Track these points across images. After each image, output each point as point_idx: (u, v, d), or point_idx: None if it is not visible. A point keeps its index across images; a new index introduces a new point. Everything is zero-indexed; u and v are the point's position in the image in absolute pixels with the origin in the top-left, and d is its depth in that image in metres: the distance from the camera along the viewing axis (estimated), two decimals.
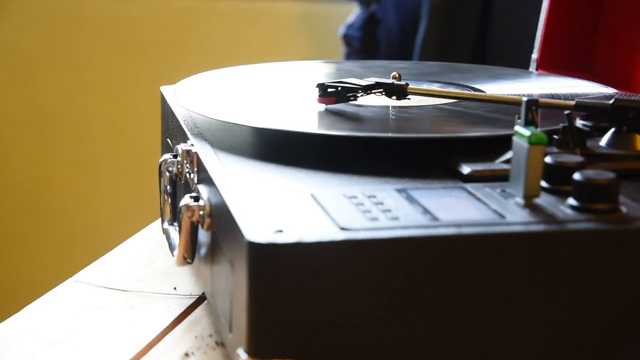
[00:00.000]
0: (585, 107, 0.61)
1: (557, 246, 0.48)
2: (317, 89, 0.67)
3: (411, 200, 0.51)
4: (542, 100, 0.61)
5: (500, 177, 0.54)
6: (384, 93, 0.69)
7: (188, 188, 0.62)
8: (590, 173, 0.50)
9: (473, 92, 0.73)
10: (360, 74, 0.74)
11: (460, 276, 0.47)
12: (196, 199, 0.57)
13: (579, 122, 0.62)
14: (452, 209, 0.50)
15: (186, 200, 0.57)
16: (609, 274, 0.49)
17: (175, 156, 0.65)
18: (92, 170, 2.04)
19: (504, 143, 0.56)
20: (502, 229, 0.48)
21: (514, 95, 0.71)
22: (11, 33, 2.00)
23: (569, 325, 0.49)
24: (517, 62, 0.96)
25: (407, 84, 0.68)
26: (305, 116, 0.67)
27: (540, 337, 0.49)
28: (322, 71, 0.88)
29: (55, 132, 2.04)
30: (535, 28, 0.92)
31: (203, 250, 0.58)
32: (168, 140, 0.74)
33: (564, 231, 0.48)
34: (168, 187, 0.67)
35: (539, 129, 0.51)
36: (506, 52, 1.46)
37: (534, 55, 0.91)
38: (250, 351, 0.47)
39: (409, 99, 0.69)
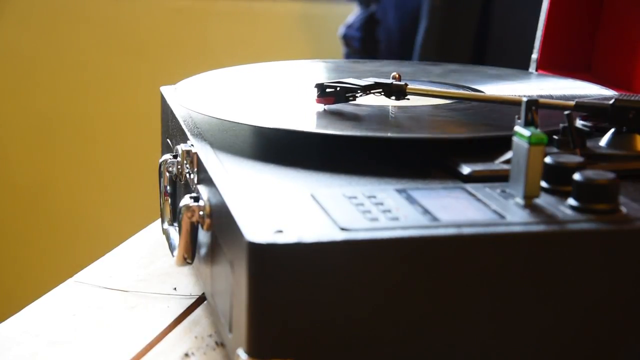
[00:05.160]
0: (585, 107, 0.61)
1: (557, 246, 0.48)
2: (316, 89, 0.67)
3: (411, 200, 0.51)
4: (542, 100, 0.61)
5: (500, 177, 0.54)
6: (383, 93, 0.68)
7: (188, 188, 0.62)
8: (590, 173, 0.50)
9: (472, 92, 0.73)
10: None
11: (460, 276, 0.47)
12: (196, 199, 0.57)
13: (579, 123, 0.62)
14: (452, 209, 0.50)
15: (186, 200, 0.57)
16: (609, 274, 0.49)
17: (175, 156, 0.65)
18: (92, 171, 2.04)
19: (504, 143, 0.56)
20: (502, 229, 0.48)
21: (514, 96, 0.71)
22: (11, 33, 2.00)
23: (568, 325, 0.49)
24: (517, 62, 0.96)
25: (406, 84, 0.68)
26: (304, 116, 0.67)
27: (540, 337, 0.49)
28: (321, 70, 0.88)
29: (55, 133, 2.04)
30: (535, 28, 0.92)
31: (203, 251, 0.58)
32: (168, 140, 0.74)
33: (564, 231, 0.48)
34: (168, 188, 0.67)
35: (538, 129, 0.51)
36: (506, 52, 1.46)
37: (534, 55, 0.91)
38: (250, 351, 0.47)
39: (408, 99, 0.69)
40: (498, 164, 0.56)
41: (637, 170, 0.57)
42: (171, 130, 0.72)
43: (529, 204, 0.50)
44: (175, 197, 0.68)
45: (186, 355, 0.57)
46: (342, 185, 0.54)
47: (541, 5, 0.91)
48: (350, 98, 0.68)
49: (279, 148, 0.62)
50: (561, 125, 0.58)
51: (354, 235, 0.46)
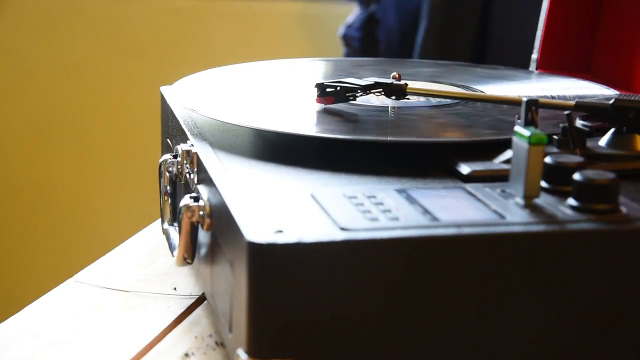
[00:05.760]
0: (585, 107, 0.61)
1: (557, 246, 0.48)
2: (316, 88, 0.67)
3: (411, 200, 0.51)
4: (542, 100, 0.61)
5: (500, 177, 0.54)
6: (383, 93, 0.68)
7: (188, 188, 0.62)
8: (590, 173, 0.50)
9: (473, 93, 0.73)
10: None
11: (460, 276, 0.47)
12: (196, 199, 0.57)
13: (579, 122, 0.62)
14: (452, 209, 0.50)
15: (186, 200, 0.57)
16: (609, 274, 0.49)
17: (175, 156, 0.65)
18: (92, 171, 2.04)
19: (504, 143, 0.56)
20: (502, 229, 0.48)
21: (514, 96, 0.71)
22: (10, 33, 2.00)
23: (568, 325, 0.49)
24: (517, 62, 0.96)
25: (406, 84, 0.68)
26: (304, 117, 0.67)
27: (540, 336, 0.49)
28: (321, 68, 0.88)
29: (55, 133, 2.04)
30: (535, 28, 0.92)
31: (203, 251, 0.58)
32: (168, 140, 0.74)
33: (564, 231, 0.48)
34: (168, 188, 0.67)
35: (538, 129, 0.51)
36: (506, 52, 1.46)
37: (534, 55, 0.91)
38: (250, 351, 0.47)
39: (408, 98, 0.69)
40: (498, 164, 0.56)
41: (637, 170, 0.57)
42: (171, 130, 0.72)
43: (529, 204, 0.50)
44: (175, 197, 0.68)
45: (186, 355, 0.57)
46: (342, 185, 0.54)
47: (541, 5, 0.91)
48: (351, 98, 0.68)
49: (279, 148, 0.62)
50: (561, 125, 0.58)
51: (354, 235, 0.46)
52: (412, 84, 0.69)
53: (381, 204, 0.50)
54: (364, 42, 1.59)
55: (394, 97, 0.68)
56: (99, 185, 2.04)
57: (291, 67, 0.86)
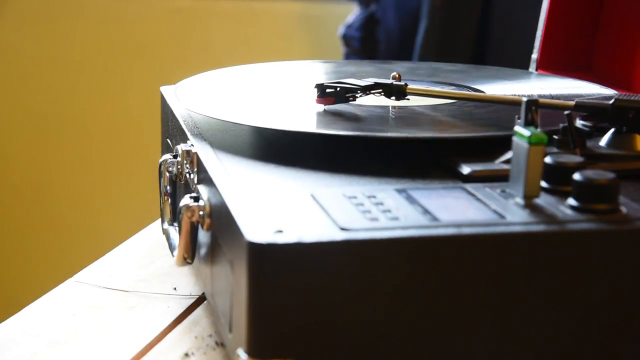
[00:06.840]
0: (585, 107, 0.61)
1: (557, 246, 0.48)
2: (316, 89, 0.67)
3: (411, 200, 0.51)
4: (542, 100, 0.61)
5: (500, 177, 0.54)
6: (383, 93, 0.68)
7: (188, 188, 0.62)
8: (590, 173, 0.50)
9: (473, 93, 0.73)
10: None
11: (460, 276, 0.47)
12: (196, 199, 0.57)
13: (578, 122, 0.62)
14: (452, 209, 0.50)
15: (186, 200, 0.57)
16: (609, 274, 0.49)
17: (175, 156, 0.65)
18: (92, 171, 2.04)
19: (504, 143, 0.56)
20: (502, 229, 0.48)
21: (514, 95, 0.71)
22: (10, 33, 2.00)
23: (569, 325, 0.49)
24: (517, 62, 0.96)
25: (406, 85, 0.68)
26: (304, 116, 0.67)
27: (540, 337, 0.49)
28: (321, 71, 0.88)
29: (55, 133, 2.04)
30: (535, 28, 0.92)
31: (203, 251, 0.58)
32: (168, 140, 0.74)
33: (564, 231, 0.48)
34: (168, 188, 0.67)
35: (539, 129, 0.51)
36: (506, 52, 1.46)
37: (534, 55, 0.91)
38: (250, 351, 0.47)
39: (408, 99, 0.69)
40: (498, 164, 0.56)
41: (637, 170, 0.57)
42: (171, 130, 0.72)
43: (529, 204, 0.50)
44: (175, 197, 0.68)
45: (186, 355, 0.57)
46: (342, 185, 0.54)
47: (541, 5, 0.91)
48: (350, 98, 0.68)
49: (279, 148, 0.62)
50: (561, 125, 0.58)
51: (354, 235, 0.46)
52: (412, 85, 0.69)
53: (381, 204, 0.50)
54: (363, 42, 1.59)
55: (394, 98, 0.68)
56: (99, 185, 2.04)
57: (292, 69, 0.85)
